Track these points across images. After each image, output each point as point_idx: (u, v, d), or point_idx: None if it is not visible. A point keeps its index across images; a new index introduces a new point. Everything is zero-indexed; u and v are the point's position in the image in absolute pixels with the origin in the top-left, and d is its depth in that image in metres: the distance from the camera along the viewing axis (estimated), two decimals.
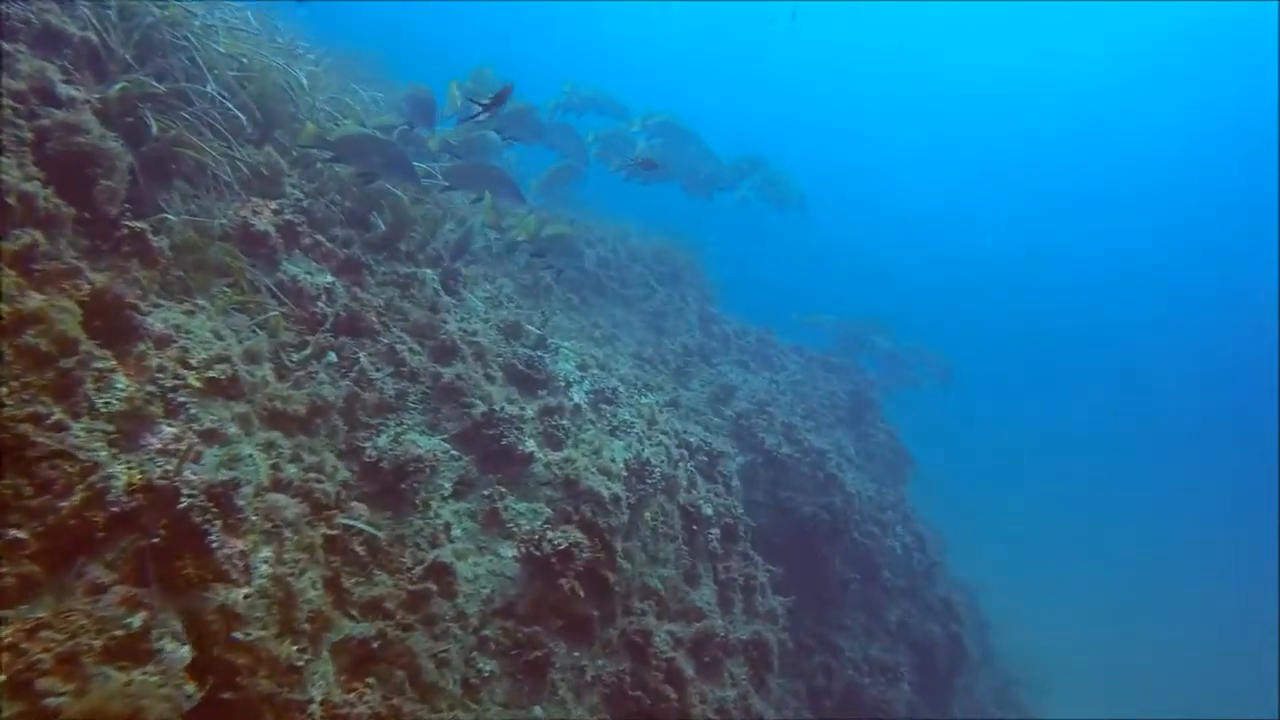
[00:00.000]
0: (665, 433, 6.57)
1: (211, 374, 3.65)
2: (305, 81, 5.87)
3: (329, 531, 3.69)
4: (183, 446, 3.11)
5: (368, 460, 4.30)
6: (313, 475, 3.79)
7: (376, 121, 6.36)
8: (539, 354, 5.93)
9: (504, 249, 7.77)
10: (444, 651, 3.89)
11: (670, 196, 12.01)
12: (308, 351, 4.54)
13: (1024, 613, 23.30)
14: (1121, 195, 50.95)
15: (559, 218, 11.01)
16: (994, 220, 52.17)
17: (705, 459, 7.12)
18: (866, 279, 43.09)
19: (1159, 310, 50.47)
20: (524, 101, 8.31)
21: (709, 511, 6.44)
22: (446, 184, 6.61)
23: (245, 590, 3.01)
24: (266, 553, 3.23)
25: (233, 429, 3.58)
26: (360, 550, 3.85)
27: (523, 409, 5.24)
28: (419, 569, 4.09)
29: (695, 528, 6.32)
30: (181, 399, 3.40)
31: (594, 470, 5.11)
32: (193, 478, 3.01)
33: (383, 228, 5.88)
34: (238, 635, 2.85)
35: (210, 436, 3.43)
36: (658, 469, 5.65)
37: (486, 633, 4.21)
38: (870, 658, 10.45)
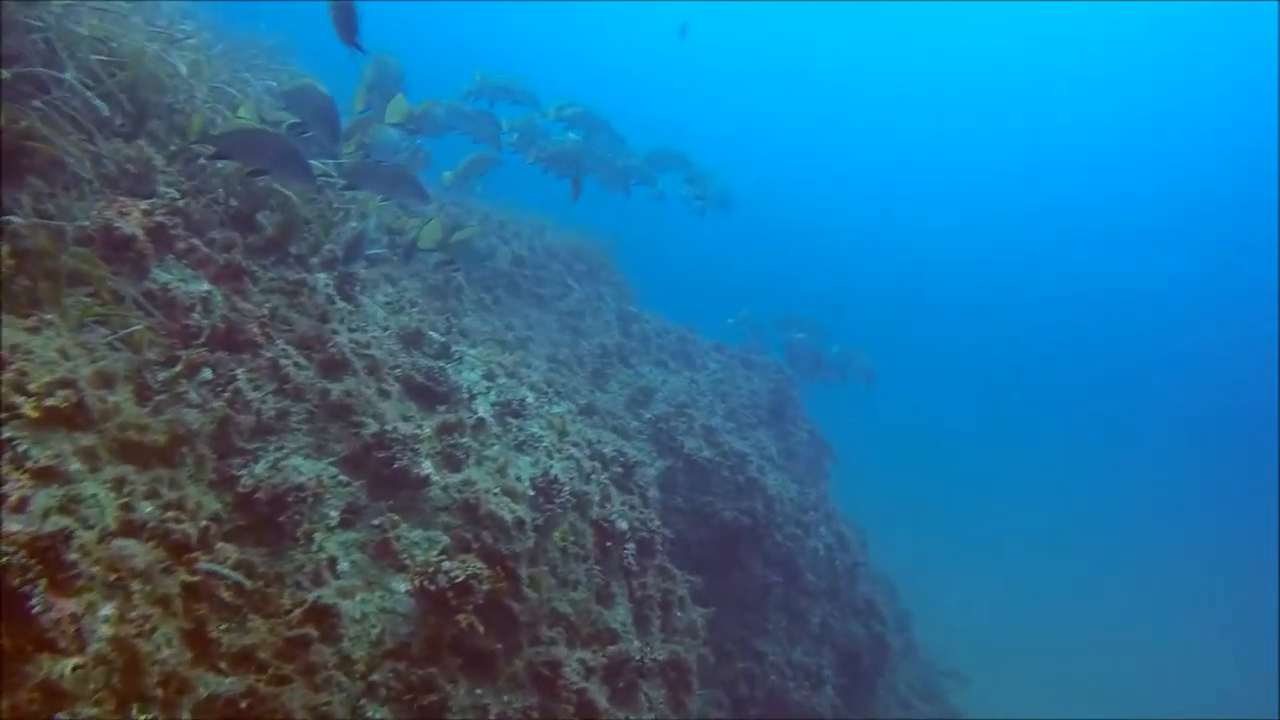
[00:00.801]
0: (577, 444, 6.26)
1: (52, 401, 3.22)
2: (184, 69, 5.39)
3: (190, 578, 3.29)
4: (3, 493, 2.70)
5: (242, 491, 3.90)
6: (172, 514, 3.38)
7: (271, 119, 5.90)
8: (441, 364, 5.56)
9: (403, 253, 7.35)
10: (326, 704, 3.52)
11: (594, 189, 11.70)
12: (177, 369, 4.11)
13: (949, 600, 23.67)
14: (1116, 195, 52.00)
15: (468, 220, 10.63)
16: (994, 219, 52.93)
17: (620, 470, 6.83)
18: (811, 273, 43.61)
19: (1139, 307, 51.74)
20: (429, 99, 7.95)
21: (623, 526, 6.14)
22: (345, 183, 6.20)
23: (76, 660, 2.61)
24: (107, 610, 2.84)
25: (75, 465, 3.16)
26: (228, 596, 3.45)
27: (420, 427, 4.87)
28: (298, 611, 3.71)
29: (609, 544, 6.02)
30: (8, 434, 2.97)
31: (497, 492, 4.77)
32: (13, 530, 2.61)
33: (270, 230, 5.45)
34: (61, 718, 2.46)
35: (45, 476, 3.02)
36: (567, 486, 5.34)
37: (376, 678, 3.85)
38: (794, 662, 10.31)
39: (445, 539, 4.40)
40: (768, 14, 50.04)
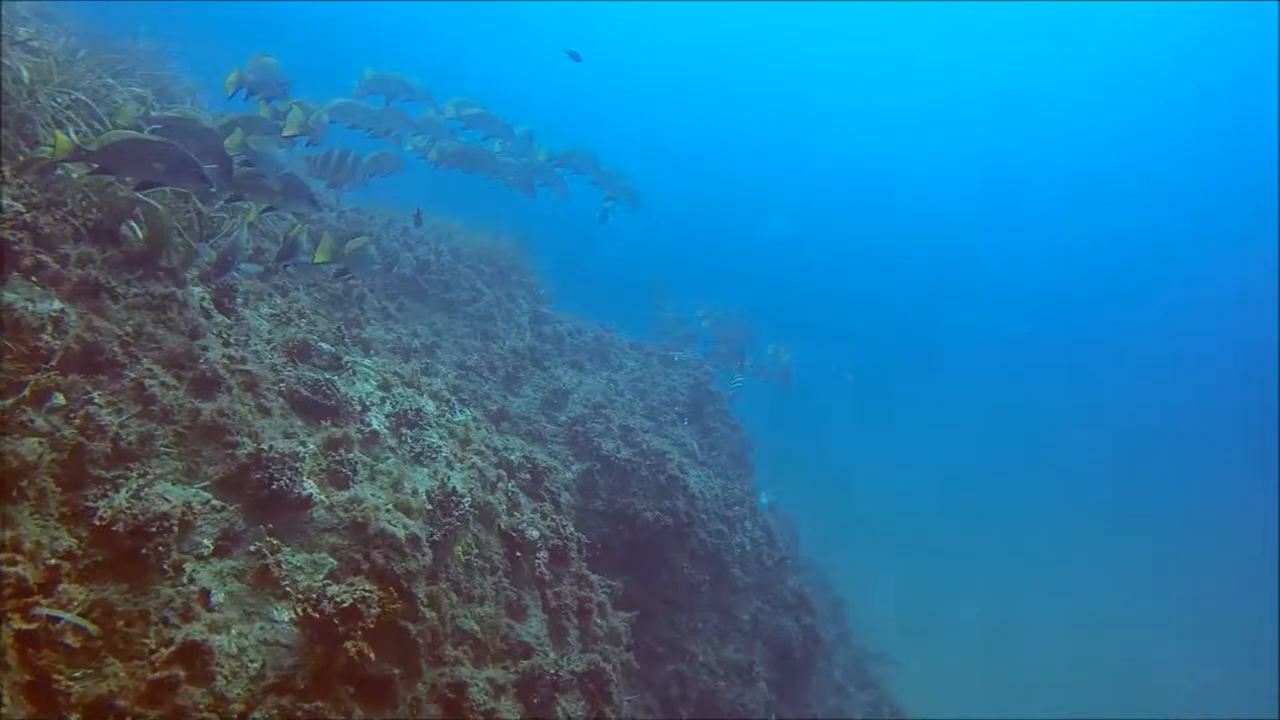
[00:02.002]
0: (481, 453, 6.01)
1: None
2: (26, 75, 5.01)
3: (25, 626, 2.98)
4: None
5: (99, 523, 3.58)
6: (4, 556, 3.07)
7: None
8: (329, 377, 5.26)
9: (277, 259, 7.00)
10: None
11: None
12: (22, 395, 3.78)
13: (882, 584, 23.90)
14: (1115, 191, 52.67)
15: (368, 226, 10.29)
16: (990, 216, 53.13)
17: (529, 476, 6.59)
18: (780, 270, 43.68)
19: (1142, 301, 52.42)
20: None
21: (534, 535, 5.92)
22: (230, 194, 5.84)
23: None
24: None
25: None
26: (75, 641, 3.14)
27: (303, 444, 4.58)
28: (165, 651, 3.41)
29: (519, 554, 5.79)
30: None
31: (389, 508, 4.51)
32: None
33: (136, 242, 5.10)
34: None
35: None
36: (467, 497, 5.09)
37: (257, 715, 3.57)
38: (724, 660, 10.18)
39: (331, 561, 4.13)
40: (700, 11, 49.84)
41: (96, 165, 4.72)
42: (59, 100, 5.38)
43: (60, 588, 3.18)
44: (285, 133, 8.04)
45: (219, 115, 6.17)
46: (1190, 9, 42.27)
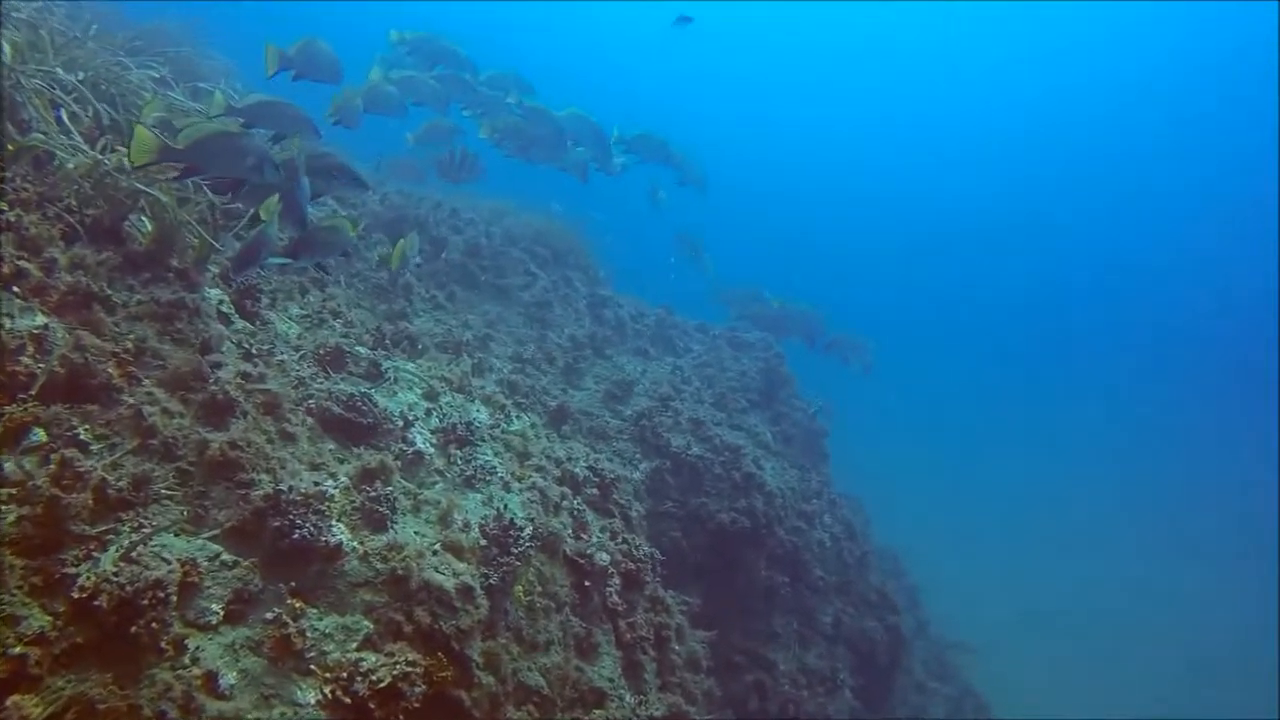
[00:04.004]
0: (541, 468, 5.28)
1: None
2: (7, 49, 4.33)
3: None
4: None
5: (79, 597, 2.91)
6: None
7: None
8: (365, 390, 4.55)
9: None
10: None
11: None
12: None
13: (952, 569, 22.87)
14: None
15: (415, 209, 9.59)
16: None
17: (596, 491, 5.85)
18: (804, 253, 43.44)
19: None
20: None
21: (604, 560, 5.18)
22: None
23: None
24: None
25: None
26: None
27: (332, 476, 3.87)
28: None
29: (588, 584, 5.06)
30: None
31: (435, 551, 3.80)
32: None
33: (142, 240, 4.43)
34: None
35: None
36: (528, 527, 4.35)
37: None
38: (807, 667, 9.42)
39: (367, 625, 3.41)
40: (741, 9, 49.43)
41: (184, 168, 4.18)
42: (42, 80, 4.70)
43: (13, 700, 2.49)
44: (329, 118, 7.67)
45: (244, 96, 5.50)
46: (1190, 9, 42.62)
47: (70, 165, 4.33)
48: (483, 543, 4.11)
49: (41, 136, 4.38)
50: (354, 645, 3.33)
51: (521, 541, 4.18)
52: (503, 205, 11.41)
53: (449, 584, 3.62)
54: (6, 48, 4.31)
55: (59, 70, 4.65)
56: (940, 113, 53.95)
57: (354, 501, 3.81)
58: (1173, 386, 47.76)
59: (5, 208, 3.88)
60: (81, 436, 3.32)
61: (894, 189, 53.55)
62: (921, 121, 54.32)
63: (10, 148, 4.34)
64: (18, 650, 2.73)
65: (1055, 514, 32.84)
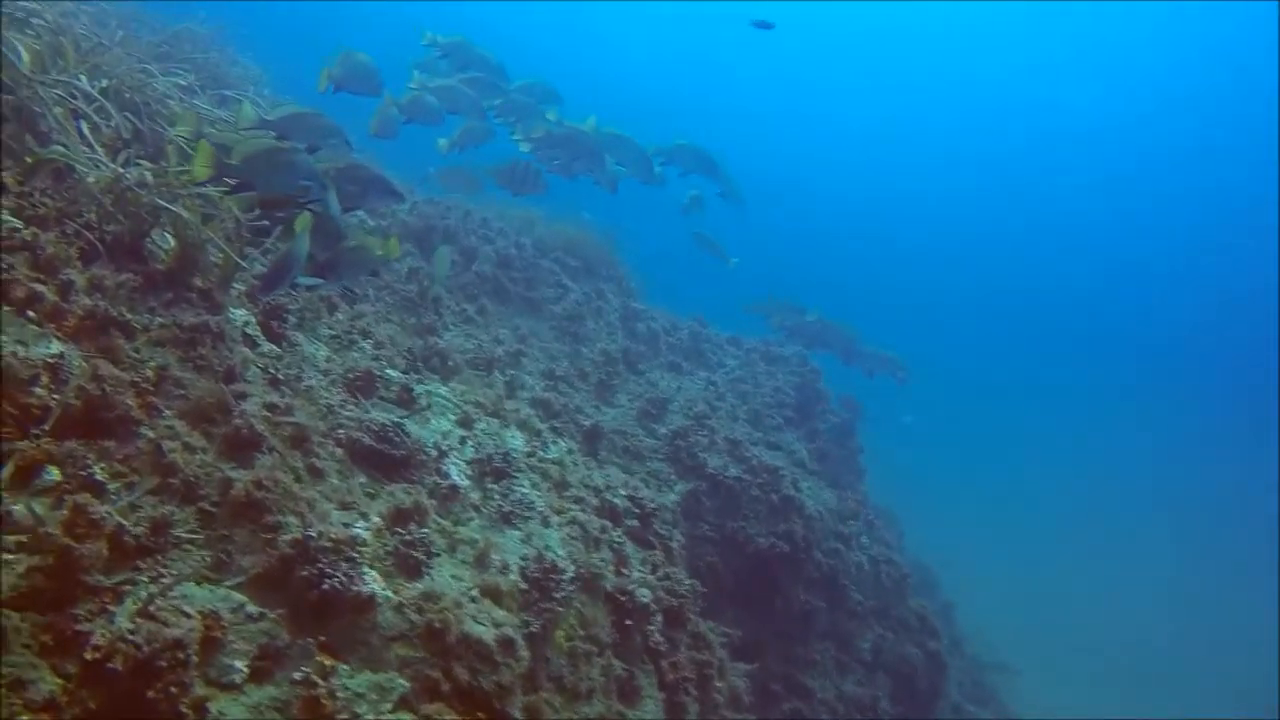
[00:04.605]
0: (579, 499, 5.01)
1: None
2: (26, 57, 4.11)
3: None
4: None
5: (92, 658, 2.66)
6: None
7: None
8: (397, 418, 4.30)
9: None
10: None
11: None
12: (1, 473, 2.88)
13: (984, 584, 22.41)
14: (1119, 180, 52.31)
15: (443, 219, 9.37)
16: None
17: (637, 522, 5.57)
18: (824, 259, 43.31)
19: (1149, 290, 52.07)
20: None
21: (645, 597, 4.90)
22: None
23: None
24: None
25: None
26: None
27: (363, 516, 3.60)
28: None
29: (630, 623, 4.78)
30: None
31: (473, 598, 3.53)
32: None
33: (165, 259, 4.19)
34: None
35: None
36: (570, 569, 4.08)
37: None
38: (845, 695, 9.10)
39: (403, 683, 3.15)
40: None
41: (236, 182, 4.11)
42: (62, 90, 4.48)
43: None
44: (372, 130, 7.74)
45: (276, 106, 5.28)
46: (1190, 9, 42.71)
47: (91, 179, 4.10)
48: (523, 586, 3.84)
49: (61, 148, 4.16)
50: (388, 706, 3.06)
51: (564, 586, 3.91)
52: (532, 214, 11.17)
53: (489, 636, 3.36)
54: (24, 54, 4.08)
55: (81, 78, 4.42)
56: (939, 116, 53.96)
57: (387, 545, 3.54)
58: (1188, 389, 47.36)
59: (21, 225, 3.65)
60: (97, 476, 3.07)
61: (896, 193, 53.36)
62: (920, 126, 54.34)
63: (29, 160, 4.13)
64: (27, 719, 2.48)
65: (1083, 521, 32.36)
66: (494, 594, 3.64)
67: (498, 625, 3.45)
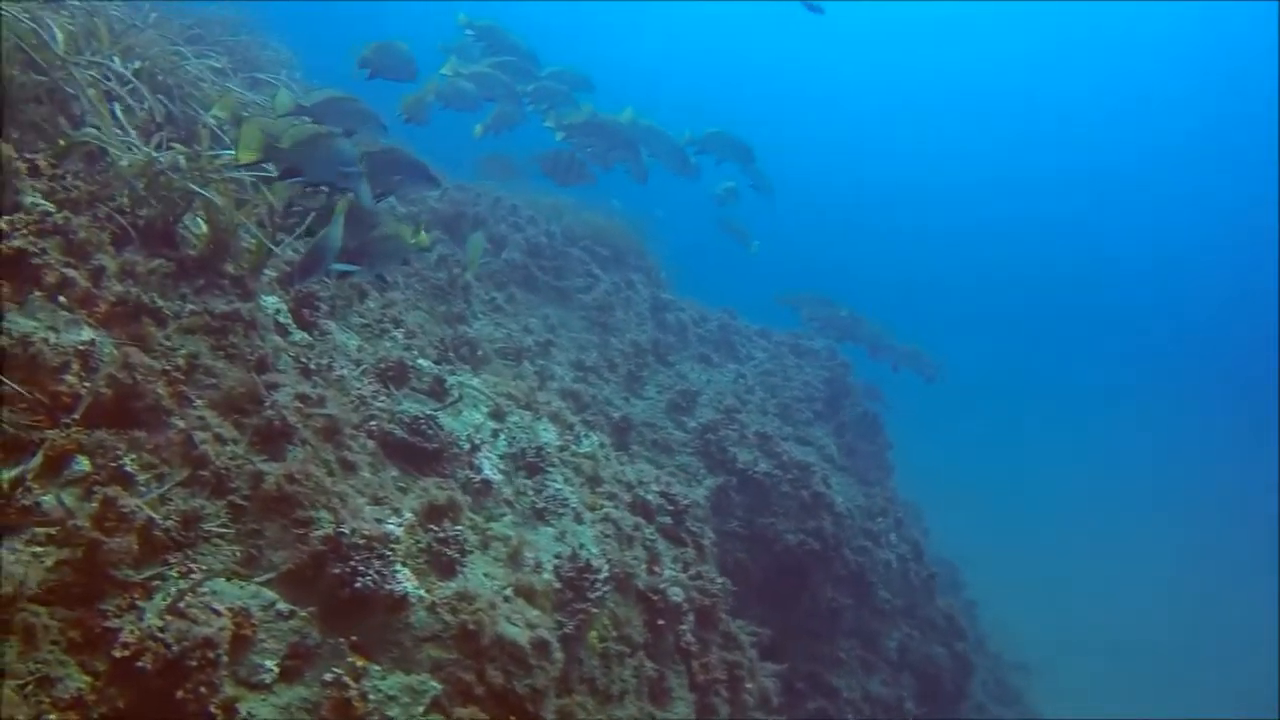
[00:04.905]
0: (613, 495, 4.92)
1: None
2: (60, 37, 4.04)
3: None
4: None
5: (121, 655, 2.59)
6: None
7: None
8: (430, 410, 4.21)
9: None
10: None
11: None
12: (28, 465, 2.81)
13: (1005, 582, 22.16)
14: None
15: (472, 206, 9.29)
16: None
17: (669, 519, 5.47)
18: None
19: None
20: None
21: (678, 597, 4.80)
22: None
23: None
24: None
25: None
26: None
27: (395, 512, 3.52)
28: None
29: (662, 622, 4.69)
30: None
31: (506, 598, 3.44)
32: None
33: (196, 244, 4.12)
34: None
35: None
36: (605, 569, 3.99)
37: None
38: (870, 695, 8.99)
39: (435, 686, 3.06)
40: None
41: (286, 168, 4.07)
42: (96, 71, 4.41)
43: None
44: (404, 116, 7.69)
45: (309, 92, 5.20)
46: (1190, 9, 42.72)
47: (124, 163, 4.03)
48: (557, 585, 3.76)
49: (94, 131, 4.08)
50: (420, 709, 2.98)
51: (598, 586, 3.82)
52: (560, 202, 11.05)
53: (523, 638, 3.27)
54: (59, 35, 4.01)
55: (114, 60, 4.35)
56: (937, 116, 53.97)
57: (420, 542, 3.46)
58: (1187, 389, 47.08)
59: (53, 208, 3.58)
60: (128, 467, 3.00)
61: (897, 192, 53.20)
62: (918, 127, 54.39)
63: (61, 143, 4.06)
64: (53, 718, 2.42)
65: (1082, 520, 32.05)
66: (528, 594, 3.55)
67: (532, 626, 3.36)
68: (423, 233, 4.71)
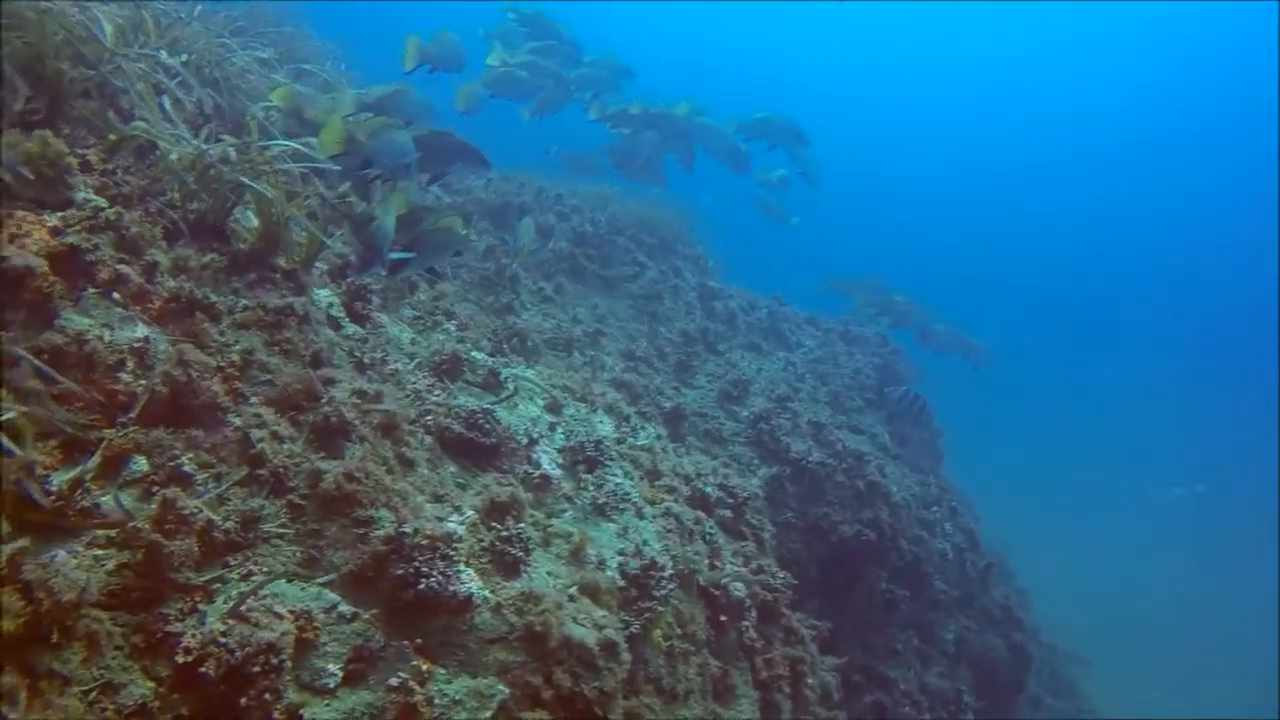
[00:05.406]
0: (672, 489, 4.79)
1: None
2: (109, 29, 3.97)
3: None
4: None
5: (184, 661, 2.51)
6: None
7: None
8: (486, 404, 4.12)
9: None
10: None
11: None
12: (87, 466, 2.74)
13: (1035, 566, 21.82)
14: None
15: (519, 195, 9.20)
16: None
17: (729, 512, 5.34)
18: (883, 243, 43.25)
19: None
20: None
21: (740, 592, 4.68)
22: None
23: None
24: None
25: None
26: None
27: (456, 510, 3.42)
28: None
29: (724, 618, 4.57)
30: None
31: (571, 597, 3.33)
32: None
33: (248, 239, 4.05)
34: None
35: None
36: (669, 565, 3.87)
37: None
38: (927, 687, 8.81)
39: (502, 690, 2.96)
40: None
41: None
42: (145, 64, 4.35)
43: None
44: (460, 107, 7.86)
45: (367, 90, 5.14)
46: (1190, 9, 42.95)
47: (173, 156, 3.96)
48: (621, 583, 3.64)
49: (144, 125, 4.02)
50: (488, 714, 2.88)
51: (663, 584, 3.70)
52: (606, 190, 10.92)
53: (591, 639, 3.15)
54: (108, 27, 3.94)
55: (162, 53, 4.29)
56: (939, 117, 53.84)
57: (482, 541, 3.36)
58: (1187, 387, 46.42)
59: (105, 204, 3.52)
60: (185, 467, 2.93)
61: (901, 191, 53.08)
62: (919, 126, 54.37)
63: (111, 137, 4.00)
64: None
65: (1133, 510, 31.55)
66: (592, 592, 3.44)
67: (599, 627, 3.25)
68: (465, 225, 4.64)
